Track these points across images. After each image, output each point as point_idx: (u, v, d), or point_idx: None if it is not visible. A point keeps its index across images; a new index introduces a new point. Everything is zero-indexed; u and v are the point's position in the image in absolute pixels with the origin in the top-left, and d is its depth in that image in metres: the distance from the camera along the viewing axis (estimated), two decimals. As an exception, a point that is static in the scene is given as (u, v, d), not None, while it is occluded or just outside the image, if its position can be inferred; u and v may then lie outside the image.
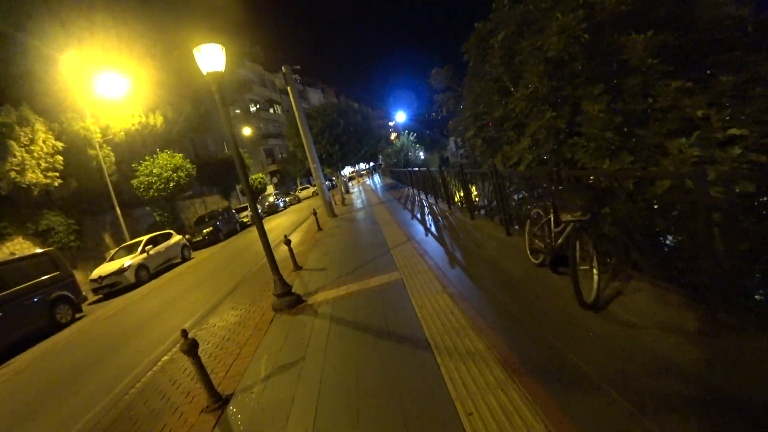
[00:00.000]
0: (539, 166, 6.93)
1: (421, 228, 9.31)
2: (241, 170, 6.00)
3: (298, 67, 16.31)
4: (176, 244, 17.16)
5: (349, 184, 52.84)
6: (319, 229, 13.63)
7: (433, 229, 8.84)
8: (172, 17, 23.40)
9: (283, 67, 16.15)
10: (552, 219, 4.59)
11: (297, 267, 8.55)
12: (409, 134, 50.01)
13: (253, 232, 22.68)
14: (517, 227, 6.59)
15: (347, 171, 62.85)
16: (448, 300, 4.65)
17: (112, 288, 13.91)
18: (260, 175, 40.92)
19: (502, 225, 6.90)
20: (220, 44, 5.75)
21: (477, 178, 8.29)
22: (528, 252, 5.29)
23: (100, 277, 13.90)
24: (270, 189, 43.55)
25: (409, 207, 13.38)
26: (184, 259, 17.41)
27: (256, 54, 64.35)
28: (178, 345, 3.94)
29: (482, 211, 8.26)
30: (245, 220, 27.38)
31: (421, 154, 48.96)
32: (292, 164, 47.12)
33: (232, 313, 7.05)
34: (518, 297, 4.31)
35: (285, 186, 53.36)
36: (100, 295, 14.22)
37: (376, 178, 54.03)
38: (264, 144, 53.07)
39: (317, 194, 42.79)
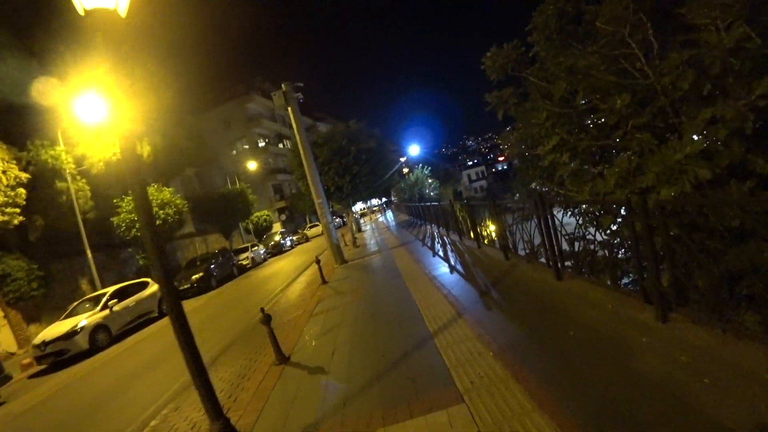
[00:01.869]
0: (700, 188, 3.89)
1: (471, 290, 6.16)
2: (140, 201, 3.02)
3: (301, 84, 13.72)
4: (152, 296, 14.14)
5: (361, 221, 50.01)
6: (324, 281, 10.53)
7: (495, 294, 5.67)
8: (169, 40, 21.47)
9: (282, 84, 13.60)
10: None
11: (282, 358, 5.41)
12: (423, 168, 47.48)
13: (252, 277, 19.75)
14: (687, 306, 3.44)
15: (358, 207, 60.20)
16: None
17: (60, 356, 10.82)
18: (266, 212, 38.35)
19: (644, 300, 3.78)
20: None
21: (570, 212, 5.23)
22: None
23: (44, 342, 10.85)
24: (277, 227, 40.85)
25: (441, 253, 10.25)
26: (162, 314, 14.35)
27: (266, 89, 63.49)
28: None
29: (583, 268, 5.13)
30: (245, 263, 24.44)
31: (428, 190, 46.04)
32: (302, 200, 44.56)
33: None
34: None
35: (294, 223, 50.74)
36: (45, 365, 11.14)
37: (389, 214, 51.17)
38: (272, 180, 51.02)
39: (342, 225, 39.91)
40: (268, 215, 38.27)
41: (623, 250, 4.58)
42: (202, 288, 18.28)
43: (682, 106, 3.87)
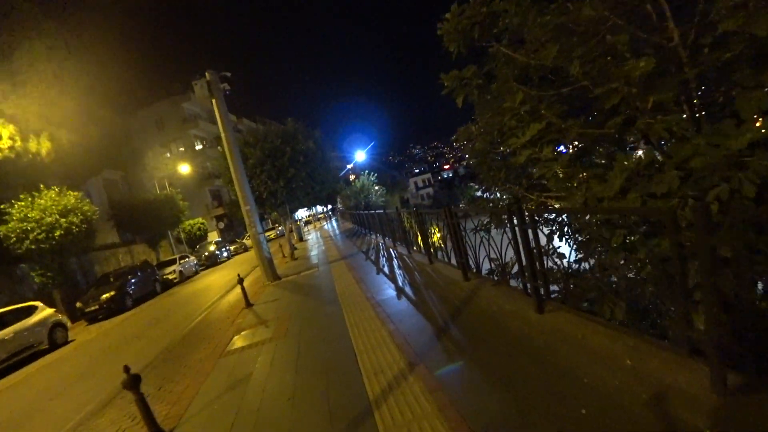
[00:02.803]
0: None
1: (425, 325, 4.76)
2: None
3: (228, 74, 11.92)
4: (40, 323, 11.64)
5: (305, 229, 47.82)
6: (248, 305, 8.79)
7: (456, 332, 4.30)
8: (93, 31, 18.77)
9: (206, 72, 11.75)
10: None
11: (154, 437, 3.72)
12: (369, 174, 46.18)
13: (177, 294, 17.50)
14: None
15: (303, 214, 57.94)
16: None
17: None
18: (200, 219, 35.35)
19: (687, 353, 2.54)
20: None
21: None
22: None
23: None
24: (213, 235, 37.90)
25: (386, 269, 8.85)
26: (55, 346, 11.85)
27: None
28: None
29: (580, 298, 3.86)
30: (171, 277, 21.86)
31: (374, 197, 44.61)
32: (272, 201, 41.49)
33: None
34: None
35: (234, 231, 47.60)
36: None
37: (335, 222, 49.50)
38: (210, 185, 47.66)
39: (273, 238, 37.11)
40: (202, 223, 35.29)
41: (633, 275, 3.34)
42: (113, 309, 15.73)
43: (725, 76, 2.69)
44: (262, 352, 5.43)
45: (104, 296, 15.72)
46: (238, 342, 6.33)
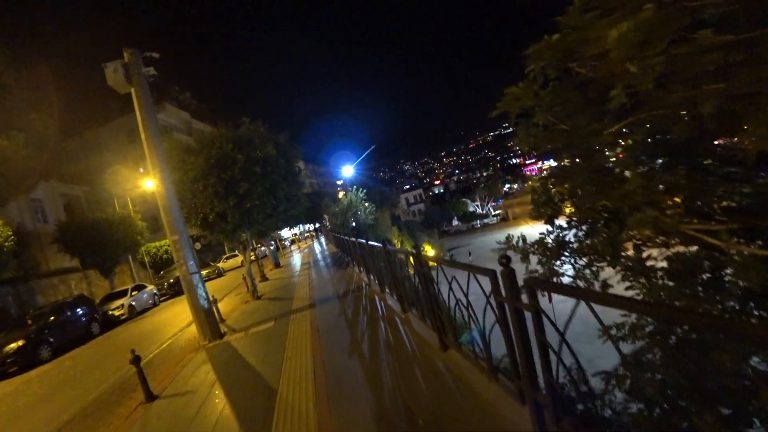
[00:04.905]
0: None
1: None
2: None
3: (155, 54, 8.72)
4: None
5: (289, 249, 44.31)
6: (148, 398, 5.42)
7: None
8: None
9: (125, 52, 8.56)
10: None
11: None
12: (358, 190, 42.84)
13: (116, 338, 14.20)
14: None
15: (287, 233, 54.30)
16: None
17: None
18: (167, 241, 31.59)
19: None
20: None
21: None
22: None
23: None
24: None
25: (367, 348, 5.51)
26: None
27: (184, 100, 55.96)
28: None
29: None
30: (117, 313, 18.22)
31: (363, 215, 40.78)
32: (216, 227, 37.84)
33: None
34: None
35: (212, 253, 43.63)
36: None
37: (322, 242, 45.98)
38: (186, 202, 43.86)
39: (252, 261, 32.89)
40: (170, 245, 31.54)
41: None
42: (22, 363, 12.10)
43: None
44: None
45: (9, 347, 12.13)
46: None
